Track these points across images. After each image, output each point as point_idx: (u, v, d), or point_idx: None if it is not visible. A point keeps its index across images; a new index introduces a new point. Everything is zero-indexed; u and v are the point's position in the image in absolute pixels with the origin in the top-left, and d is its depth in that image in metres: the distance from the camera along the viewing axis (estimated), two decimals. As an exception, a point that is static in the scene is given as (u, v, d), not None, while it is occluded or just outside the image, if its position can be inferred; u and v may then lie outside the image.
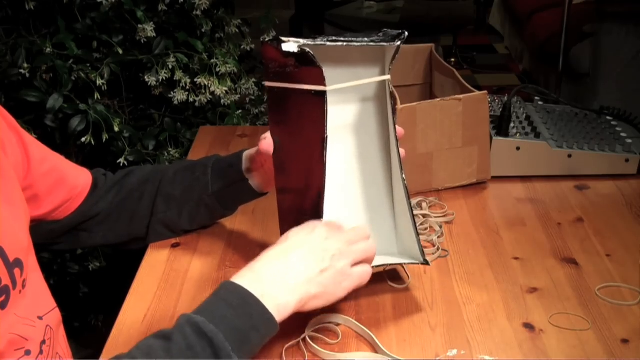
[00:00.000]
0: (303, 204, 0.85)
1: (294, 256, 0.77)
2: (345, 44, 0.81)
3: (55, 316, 0.82)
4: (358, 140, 0.91)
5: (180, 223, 1.02)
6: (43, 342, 0.77)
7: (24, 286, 0.76)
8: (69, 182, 0.95)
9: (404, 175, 0.88)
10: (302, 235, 0.80)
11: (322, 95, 0.79)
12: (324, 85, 0.78)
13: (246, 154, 0.97)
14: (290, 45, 0.78)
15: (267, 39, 0.81)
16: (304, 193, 0.84)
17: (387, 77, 0.86)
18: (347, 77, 0.85)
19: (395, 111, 0.88)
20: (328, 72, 0.78)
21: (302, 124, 0.83)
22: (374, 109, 0.91)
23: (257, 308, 0.71)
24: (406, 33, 0.85)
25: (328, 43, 0.80)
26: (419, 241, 0.89)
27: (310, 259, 0.77)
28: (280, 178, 0.88)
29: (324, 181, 0.81)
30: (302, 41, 0.79)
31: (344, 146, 0.90)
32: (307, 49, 0.77)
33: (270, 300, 0.72)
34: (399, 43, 0.84)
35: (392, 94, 0.87)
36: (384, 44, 0.85)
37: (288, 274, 0.75)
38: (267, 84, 0.83)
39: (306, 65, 0.78)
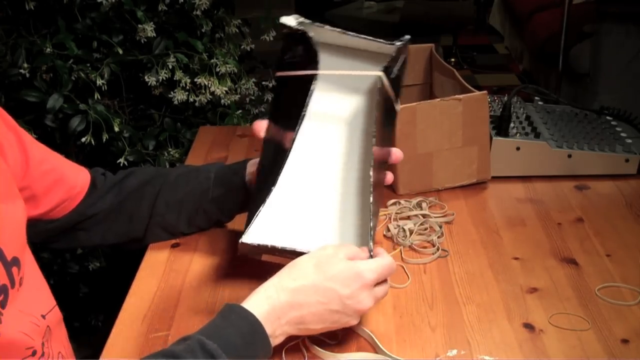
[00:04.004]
0: (267, 178, 0.86)
1: (310, 303, 0.77)
2: (341, 33, 0.84)
3: (55, 315, 0.83)
4: (347, 133, 0.91)
5: (178, 226, 1.02)
6: (42, 344, 0.77)
7: (20, 284, 0.76)
8: (67, 182, 0.95)
9: (371, 180, 0.83)
10: (333, 289, 0.77)
11: (313, 78, 0.83)
12: (317, 69, 0.83)
13: (250, 163, 0.97)
14: (290, 19, 0.81)
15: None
16: (272, 168, 0.86)
17: (379, 73, 0.84)
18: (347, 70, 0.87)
19: (392, 110, 0.87)
20: (329, 61, 0.82)
21: (292, 107, 0.85)
22: (365, 106, 0.90)
23: (261, 339, 0.74)
24: (407, 37, 0.86)
25: (326, 26, 0.83)
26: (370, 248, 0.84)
27: (326, 316, 0.78)
28: (261, 158, 0.90)
29: (288, 154, 0.84)
30: (304, 20, 0.82)
31: (330, 136, 0.90)
32: (305, 29, 0.82)
33: (273, 338, 0.76)
34: (398, 44, 0.84)
35: (385, 92, 0.85)
36: (382, 42, 0.85)
37: (299, 324, 0.77)
38: (277, 74, 0.85)
39: (305, 49, 0.81)
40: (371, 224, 0.83)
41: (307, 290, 0.77)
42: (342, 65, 0.86)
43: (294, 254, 0.81)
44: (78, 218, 0.97)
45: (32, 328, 0.76)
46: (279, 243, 0.83)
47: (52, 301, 0.83)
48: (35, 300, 0.79)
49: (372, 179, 0.83)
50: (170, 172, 1.02)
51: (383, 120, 0.86)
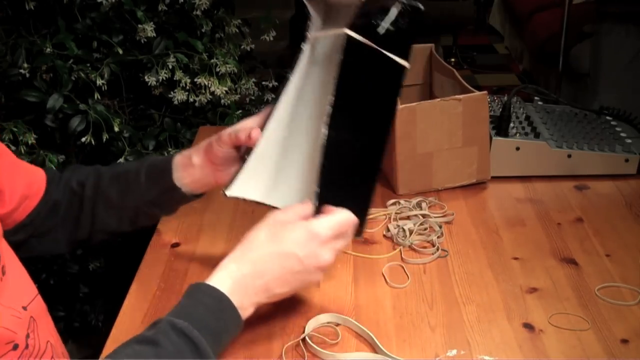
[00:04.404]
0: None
1: (272, 270, 0.78)
2: None
3: (38, 305, 0.82)
4: (321, 94, 0.91)
5: (121, 228, 1.00)
6: (27, 335, 0.77)
7: (3, 273, 0.75)
8: (26, 177, 0.93)
9: (324, 138, 0.83)
10: (291, 252, 0.79)
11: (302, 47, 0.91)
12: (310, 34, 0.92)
13: (177, 160, 0.95)
14: None
15: None
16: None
17: (342, 30, 0.83)
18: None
19: (383, 67, 0.83)
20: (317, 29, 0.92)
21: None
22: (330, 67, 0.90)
23: (230, 312, 0.75)
24: None
25: None
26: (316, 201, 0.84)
27: (289, 278, 0.79)
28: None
29: (269, 118, 0.91)
30: None
31: (306, 97, 0.93)
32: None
33: (243, 310, 0.77)
34: None
35: (359, 48, 0.82)
36: None
37: (266, 292, 0.78)
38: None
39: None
40: (317, 182, 0.83)
41: (266, 258, 0.78)
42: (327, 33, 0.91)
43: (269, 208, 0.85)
44: (37, 219, 0.95)
45: (13, 321, 0.75)
46: (256, 197, 0.91)
47: (33, 291, 0.82)
48: (15, 292, 0.78)
49: (325, 137, 0.83)
50: (104, 173, 0.99)
51: (356, 79, 0.84)
